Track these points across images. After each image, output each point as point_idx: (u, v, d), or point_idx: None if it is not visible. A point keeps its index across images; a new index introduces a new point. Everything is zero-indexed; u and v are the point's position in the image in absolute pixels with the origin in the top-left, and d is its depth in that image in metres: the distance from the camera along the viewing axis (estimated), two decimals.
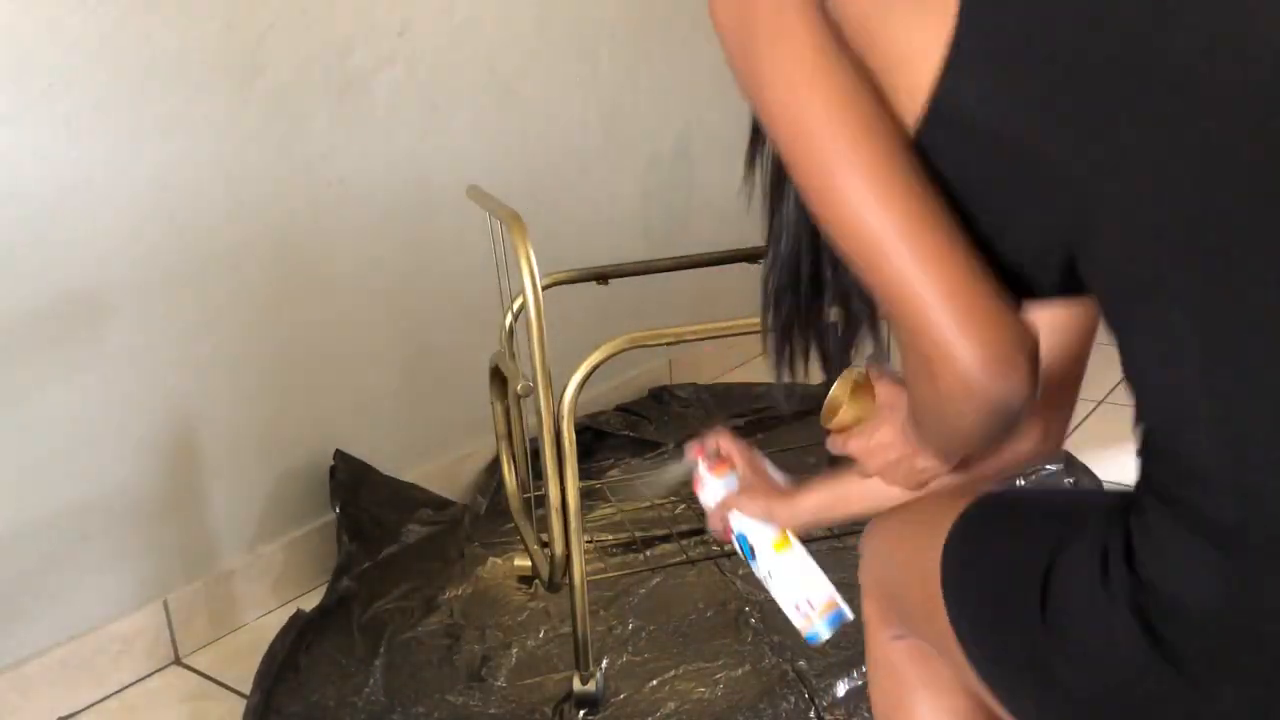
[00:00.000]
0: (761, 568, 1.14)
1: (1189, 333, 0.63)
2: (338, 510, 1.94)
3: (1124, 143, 0.63)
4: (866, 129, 0.67)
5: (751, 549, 1.14)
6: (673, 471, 1.23)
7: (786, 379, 0.89)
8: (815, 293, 0.84)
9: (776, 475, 1.16)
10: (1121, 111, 0.63)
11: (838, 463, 0.98)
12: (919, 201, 0.67)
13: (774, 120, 0.70)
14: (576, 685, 1.57)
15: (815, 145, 0.68)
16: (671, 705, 1.58)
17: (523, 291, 1.45)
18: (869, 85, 0.68)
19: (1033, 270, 0.71)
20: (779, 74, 0.69)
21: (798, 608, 1.12)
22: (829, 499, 1.06)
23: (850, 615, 1.12)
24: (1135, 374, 0.68)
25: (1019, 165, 0.66)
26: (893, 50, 0.67)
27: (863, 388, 0.94)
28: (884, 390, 0.91)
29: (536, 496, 1.77)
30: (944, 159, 0.68)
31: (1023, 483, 0.88)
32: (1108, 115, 0.63)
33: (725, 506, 1.14)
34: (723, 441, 1.18)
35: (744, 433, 2.49)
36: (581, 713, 1.57)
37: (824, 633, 1.11)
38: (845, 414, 0.93)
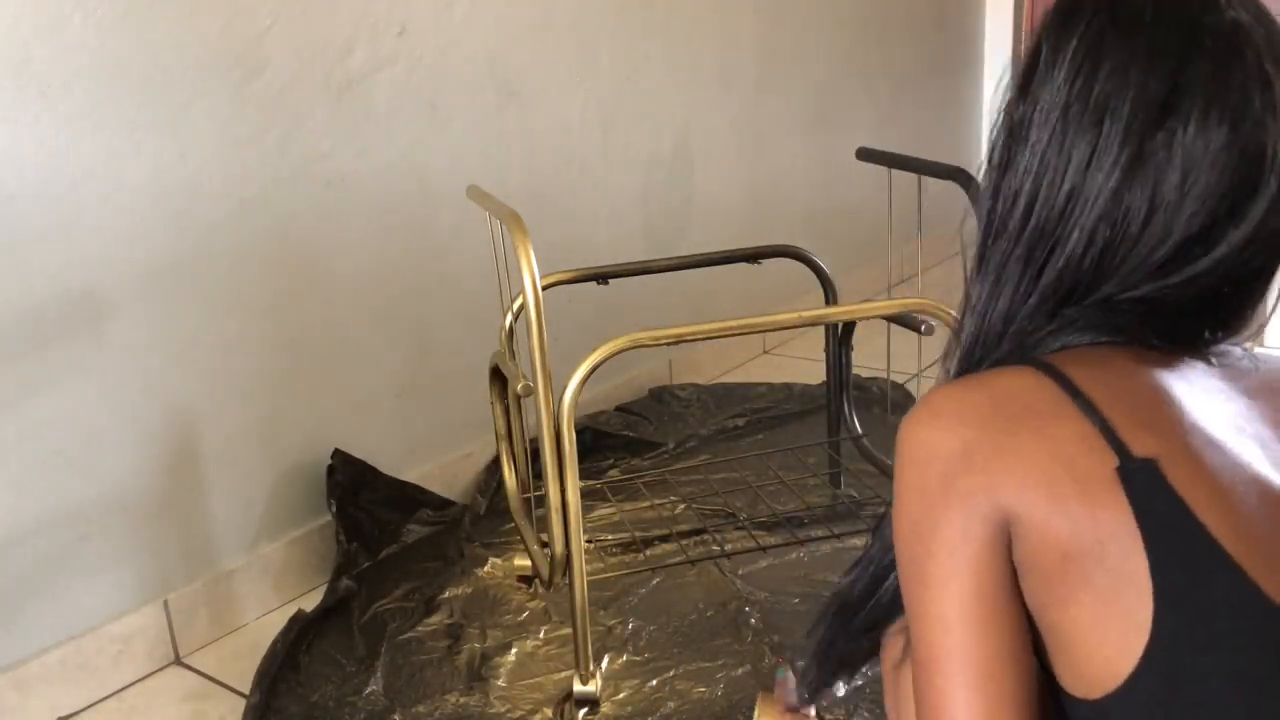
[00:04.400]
0: None
1: None
2: (334, 510, 1.94)
3: None
4: (994, 678, 0.68)
5: None
6: None
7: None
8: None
9: None
10: None
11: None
12: None
13: (914, 625, 0.72)
14: (576, 685, 1.57)
15: (943, 679, 0.70)
16: (671, 705, 1.58)
17: (522, 291, 1.45)
18: (1020, 633, 0.70)
19: None
20: (936, 606, 0.71)
21: None
22: None
23: None
24: None
25: None
26: (1073, 634, 0.68)
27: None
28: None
29: (536, 496, 1.77)
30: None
31: None
32: None
33: None
34: None
35: (744, 433, 2.49)
36: (581, 713, 1.57)
37: None
38: None
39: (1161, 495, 0.66)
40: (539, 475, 1.51)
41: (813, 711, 1.19)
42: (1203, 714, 0.63)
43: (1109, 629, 0.65)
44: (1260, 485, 0.68)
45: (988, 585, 0.69)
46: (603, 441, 2.39)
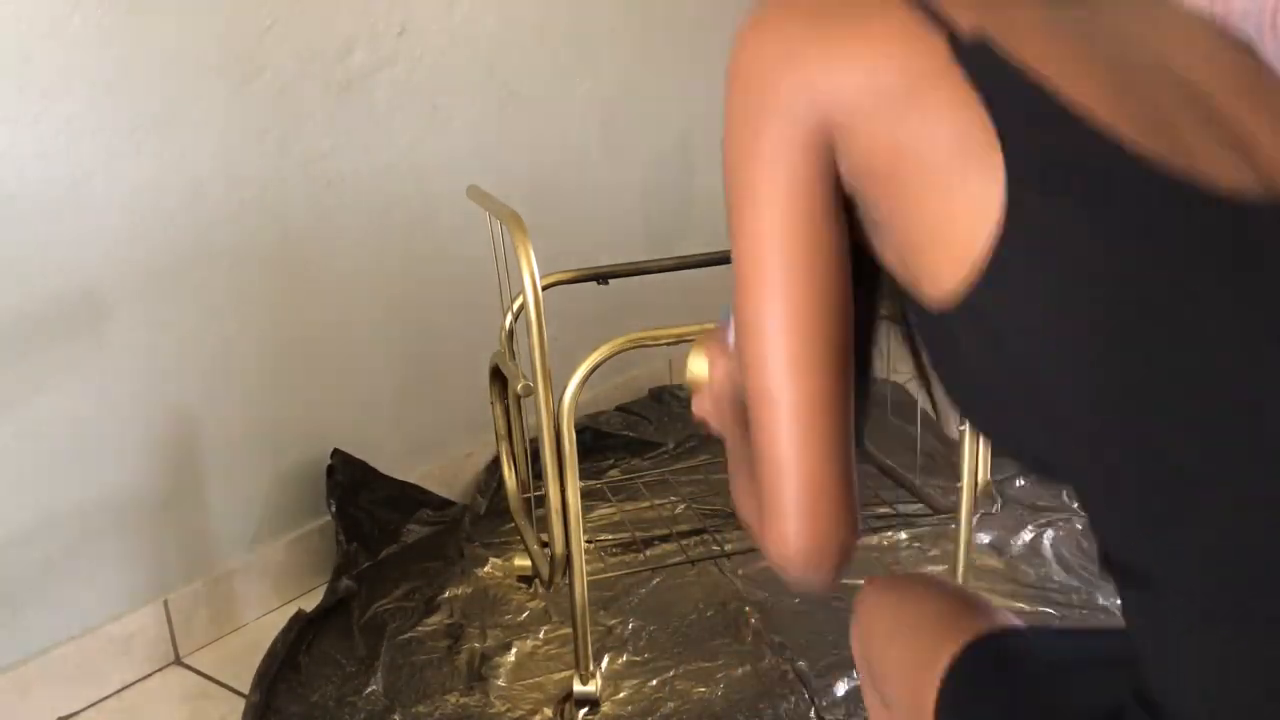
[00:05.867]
0: None
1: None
2: (334, 510, 1.94)
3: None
4: (811, 298, 0.67)
5: None
6: None
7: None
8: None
9: None
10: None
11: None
12: (831, 381, 0.68)
13: (734, 244, 0.70)
14: (576, 685, 1.57)
15: (758, 298, 0.68)
16: (671, 705, 1.58)
17: (523, 291, 1.45)
18: (838, 255, 0.68)
19: (1008, 443, 0.73)
20: (752, 223, 0.68)
21: None
22: None
23: None
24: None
25: (1026, 388, 0.64)
26: (921, 235, 0.65)
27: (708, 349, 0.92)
28: (715, 359, 0.89)
29: (536, 496, 1.77)
30: (964, 334, 0.66)
31: (1019, 622, 0.85)
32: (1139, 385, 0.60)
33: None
34: None
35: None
36: (581, 713, 1.57)
37: None
38: (689, 377, 0.92)
39: (998, 66, 0.62)
40: (539, 475, 1.51)
41: None
42: (1071, 271, 0.60)
43: (958, 216, 0.62)
44: (1106, 44, 0.65)
45: (814, 197, 0.66)
46: (603, 441, 2.39)
